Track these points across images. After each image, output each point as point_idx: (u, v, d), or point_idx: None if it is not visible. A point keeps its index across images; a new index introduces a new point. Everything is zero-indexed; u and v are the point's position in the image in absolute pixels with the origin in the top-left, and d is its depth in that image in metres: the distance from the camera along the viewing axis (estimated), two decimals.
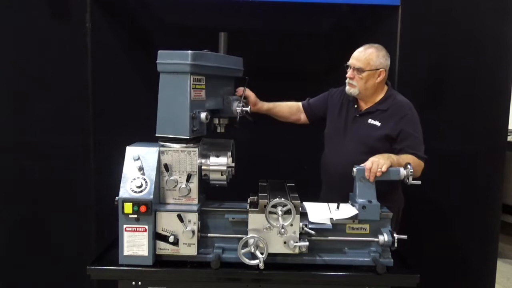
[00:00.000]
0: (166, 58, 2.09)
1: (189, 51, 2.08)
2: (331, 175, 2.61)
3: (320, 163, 2.74)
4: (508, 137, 3.34)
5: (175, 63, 2.09)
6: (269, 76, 3.28)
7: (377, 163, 2.16)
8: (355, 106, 2.63)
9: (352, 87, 2.55)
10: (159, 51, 2.10)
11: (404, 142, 2.46)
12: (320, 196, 2.68)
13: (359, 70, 2.51)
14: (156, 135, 2.13)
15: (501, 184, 3.14)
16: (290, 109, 2.82)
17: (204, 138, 2.24)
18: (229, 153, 2.21)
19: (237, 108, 2.30)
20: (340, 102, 2.70)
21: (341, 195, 2.29)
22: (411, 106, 2.56)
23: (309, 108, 2.81)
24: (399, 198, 2.64)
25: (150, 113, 2.38)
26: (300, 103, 2.83)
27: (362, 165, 2.22)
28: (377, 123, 2.53)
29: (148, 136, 2.28)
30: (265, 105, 2.71)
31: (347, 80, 2.57)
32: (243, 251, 2.04)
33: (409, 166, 2.17)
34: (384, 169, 2.15)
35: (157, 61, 2.10)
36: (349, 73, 2.54)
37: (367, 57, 2.51)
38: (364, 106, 2.62)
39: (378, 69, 2.51)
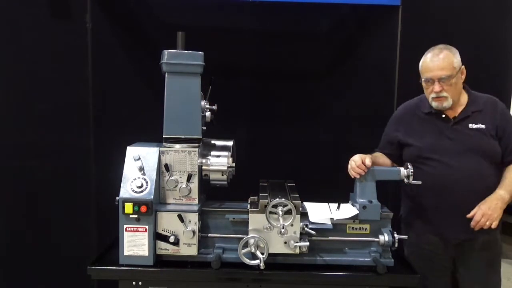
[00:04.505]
0: (174, 59, 2.09)
1: (200, 52, 2.09)
2: (453, 194, 2.29)
3: (418, 187, 2.30)
4: None
5: (186, 64, 2.09)
6: (269, 76, 3.28)
7: (488, 217, 2.13)
8: (443, 116, 2.38)
9: (444, 100, 2.31)
10: (166, 51, 2.10)
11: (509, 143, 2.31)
12: (439, 224, 2.38)
13: (448, 78, 2.27)
14: (164, 136, 2.13)
15: None
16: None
17: (204, 138, 2.24)
18: (230, 153, 2.21)
19: (206, 106, 2.25)
20: (416, 118, 2.46)
21: (465, 213, 2.23)
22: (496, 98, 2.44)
23: (393, 155, 2.53)
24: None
25: (150, 113, 2.38)
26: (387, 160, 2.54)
27: (471, 214, 2.18)
28: (482, 126, 2.32)
29: (148, 136, 2.29)
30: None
31: (432, 95, 2.32)
32: (243, 251, 2.04)
33: (409, 166, 2.17)
34: (494, 226, 2.13)
35: (164, 61, 2.09)
36: (437, 87, 2.29)
37: (449, 61, 2.29)
38: (452, 113, 2.38)
39: (460, 68, 2.33)
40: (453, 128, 2.35)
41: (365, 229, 2.14)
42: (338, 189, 2.28)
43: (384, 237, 2.08)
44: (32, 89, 2.91)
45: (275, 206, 2.04)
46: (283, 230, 2.00)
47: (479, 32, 2.98)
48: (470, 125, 2.33)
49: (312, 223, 2.10)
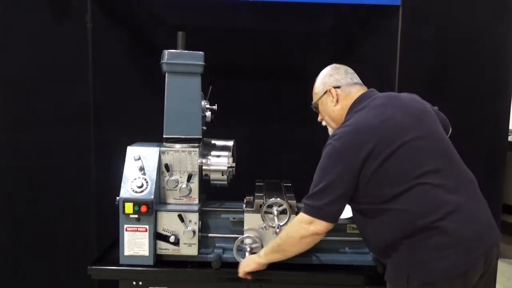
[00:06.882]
0: (175, 59, 2.10)
1: (201, 52, 2.10)
2: None
3: None
4: (509, 137, 3.34)
5: (186, 64, 2.10)
6: (269, 76, 3.29)
7: (242, 267, 2.01)
8: None
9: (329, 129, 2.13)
10: (167, 51, 2.10)
11: None
12: None
13: (316, 107, 2.13)
14: (164, 136, 2.14)
15: (501, 184, 3.14)
16: None
17: (204, 138, 2.25)
18: (230, 153, 2.21)
19: (207, 106, 2.25)
20: None
21: None
22: (342, 133, 1.83)
23: None
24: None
25: (151, 113, 2.38)
26: None
27: None
28: None
29: (148, 136, 2.29)
30: None
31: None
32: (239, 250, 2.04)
33: None
34: (241, 275, 1.99)
35: (164, 61, 2.10)
36: (319, 117, 2.16)
37: (313, 89, 2.13)
38: None
39: (325, 91, 2.05)
40: None
41: None
42: None
43: None
44: (32, 89, 2.90)
45: (270, 206, 2.04)
46: (278, 230, 2.00)
47: (479, 32, 2.97)
48: None
49: None
